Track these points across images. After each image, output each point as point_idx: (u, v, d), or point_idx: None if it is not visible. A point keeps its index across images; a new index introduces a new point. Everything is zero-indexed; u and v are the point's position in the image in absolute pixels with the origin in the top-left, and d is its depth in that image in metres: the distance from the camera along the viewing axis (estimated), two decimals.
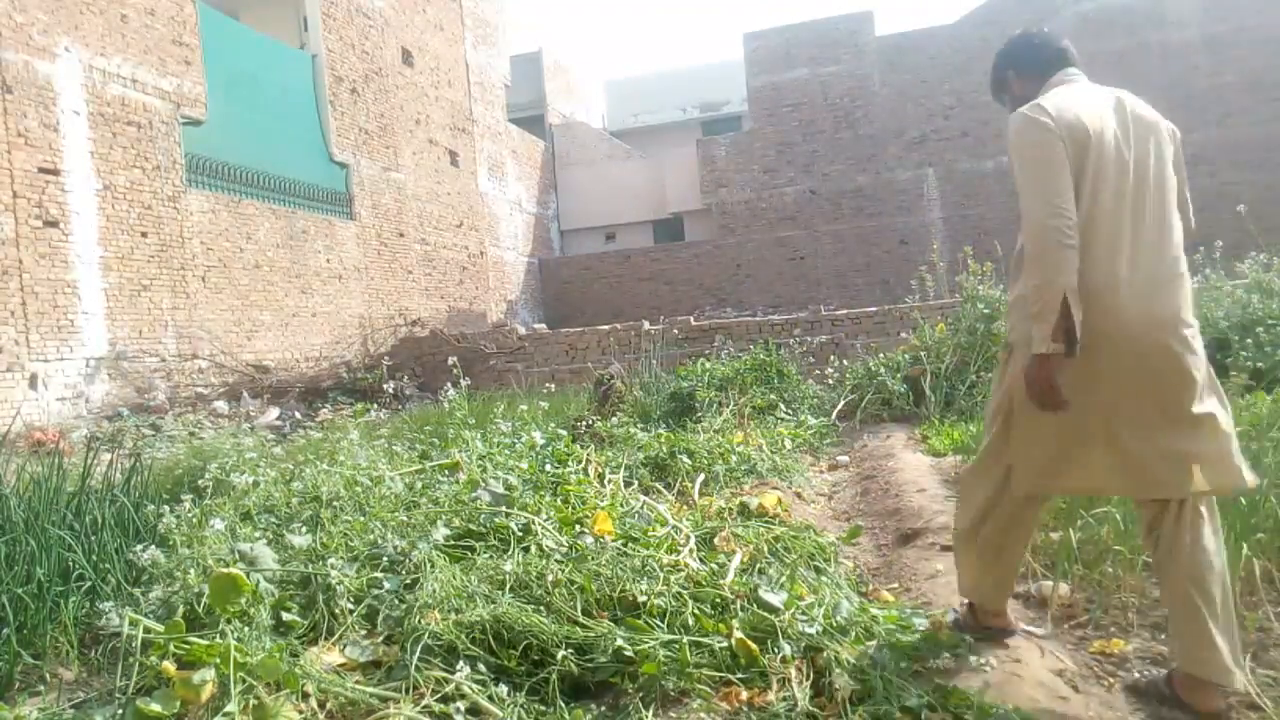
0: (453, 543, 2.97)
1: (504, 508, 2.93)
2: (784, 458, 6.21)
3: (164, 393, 11.84)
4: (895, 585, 3.52)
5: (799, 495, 5.46)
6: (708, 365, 8.64)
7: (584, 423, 6.70)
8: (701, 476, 5.09)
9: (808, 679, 2.45)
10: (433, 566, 2.75)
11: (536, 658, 2.45)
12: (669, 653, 2.43)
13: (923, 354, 8.63)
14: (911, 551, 3.92)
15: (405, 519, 3.22)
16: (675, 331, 11.30)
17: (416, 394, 11.95)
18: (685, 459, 5.29)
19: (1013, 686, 2.42)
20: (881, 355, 8.97)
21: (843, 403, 8.49)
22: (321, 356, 14.90)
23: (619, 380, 7.37)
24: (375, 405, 11.18)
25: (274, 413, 11.57)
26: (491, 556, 2.85)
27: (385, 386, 12.10)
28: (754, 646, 2.53)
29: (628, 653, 2.43)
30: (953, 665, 2.55)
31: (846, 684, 2.44)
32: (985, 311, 8.50)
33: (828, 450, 7.22)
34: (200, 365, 12.76)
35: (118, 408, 11.21)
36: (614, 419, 6.84)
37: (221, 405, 11.76)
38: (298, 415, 11.50)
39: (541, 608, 2.58)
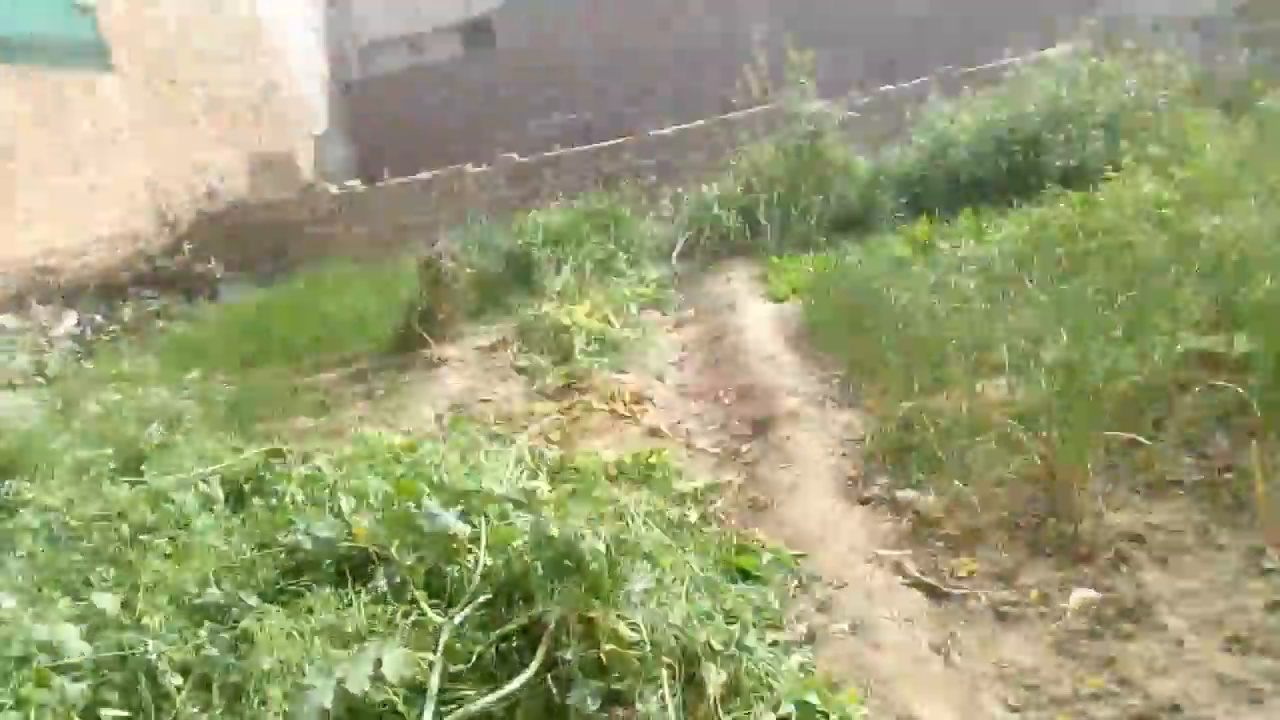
0: (291, 581, 2.65)
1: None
2: (632, 328, 6.11)
3: None
4: (762, 498, 3.50)
5: (659, 379, 5.39)
6: (540, 219, 8.22)
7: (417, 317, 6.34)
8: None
9: (680, 677, 2.38)
10: (261, 622, 2.46)
11: None
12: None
13: (754, 179, 8.47)
14: (769, 453, 3.90)
15: (226, 546, 2.88)
16: (500, 180, 10.66)
17: (228, 278, 10.98)
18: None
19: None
20: (715, 185, 8.74)
21: (681, 242, 8.32)
22: (114, 238, 13.35)
23: (448, 258, 6.87)
24: (183, 298, 10.25)
25: (71, 319, 10.42)
26: (332, 593, 2.57)
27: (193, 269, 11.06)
28: (624, 651, 2.43)
29: None
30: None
31: (717, 679, 2.40)
32: (810, 129, 8.34)
33: (673, 304, 7.12)
34: None
35: None
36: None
37: (7, 320, 10.46)
38: (98, 319, 10.41)
39: None
